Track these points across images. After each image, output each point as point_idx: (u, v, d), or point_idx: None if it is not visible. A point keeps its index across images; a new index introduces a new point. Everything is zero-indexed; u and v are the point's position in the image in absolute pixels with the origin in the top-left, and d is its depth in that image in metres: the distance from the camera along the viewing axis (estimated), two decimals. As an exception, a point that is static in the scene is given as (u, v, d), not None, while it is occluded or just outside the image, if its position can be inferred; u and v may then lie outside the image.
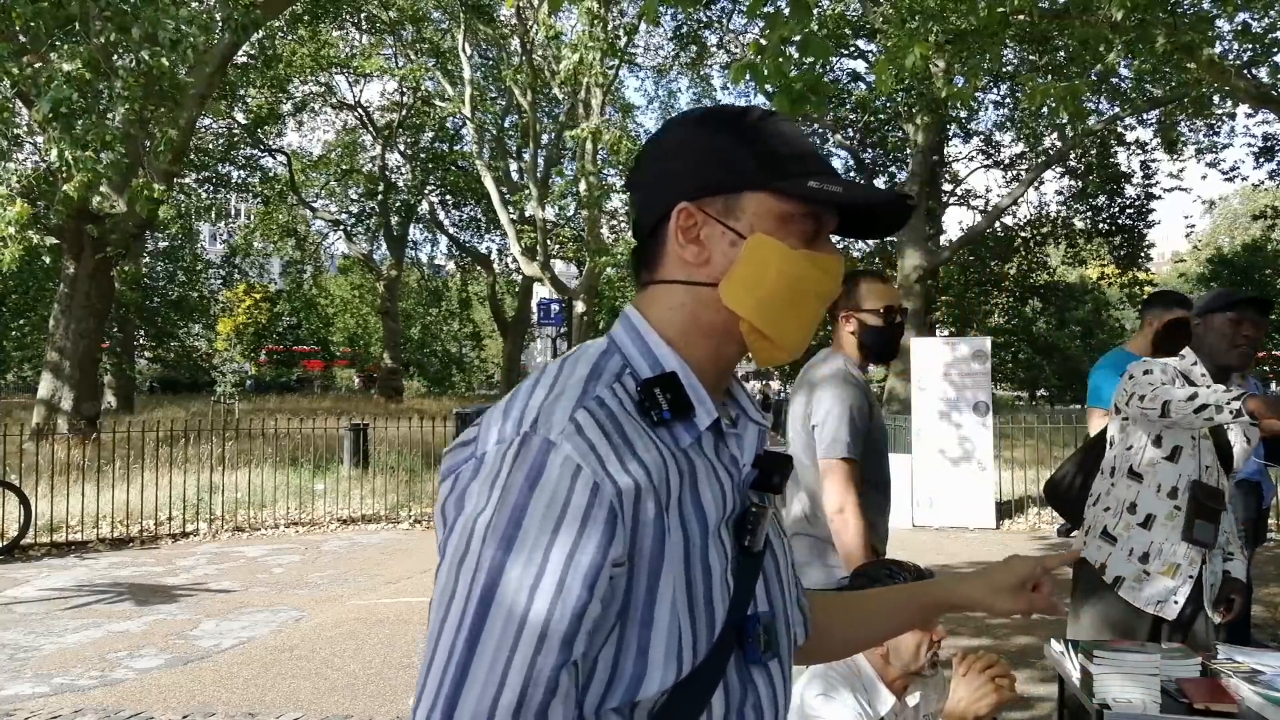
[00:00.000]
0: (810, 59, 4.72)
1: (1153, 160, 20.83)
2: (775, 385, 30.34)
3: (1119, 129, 19.49)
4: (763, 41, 4.65)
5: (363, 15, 22.20)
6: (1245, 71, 13.11)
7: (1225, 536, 2.91)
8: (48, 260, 12.98)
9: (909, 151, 20.36)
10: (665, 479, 0.83)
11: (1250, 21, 12.54)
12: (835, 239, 0.98)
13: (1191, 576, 2.84)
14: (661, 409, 0.86)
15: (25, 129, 10.44)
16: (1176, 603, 2.83)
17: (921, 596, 1.20)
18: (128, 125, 11.17)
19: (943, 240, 21.67)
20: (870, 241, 25.45)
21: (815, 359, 2.93)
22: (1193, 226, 25.13)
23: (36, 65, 9.32)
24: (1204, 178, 33.33)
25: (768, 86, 4.67)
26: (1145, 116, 18.22)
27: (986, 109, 21.26)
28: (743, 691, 0.89)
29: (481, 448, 0.82)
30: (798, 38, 4.49)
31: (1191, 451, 2.88)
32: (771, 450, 0.98)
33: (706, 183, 0.91)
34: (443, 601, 0.78)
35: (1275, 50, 12.71)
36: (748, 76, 4.67)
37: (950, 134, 21.58)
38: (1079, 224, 23.29)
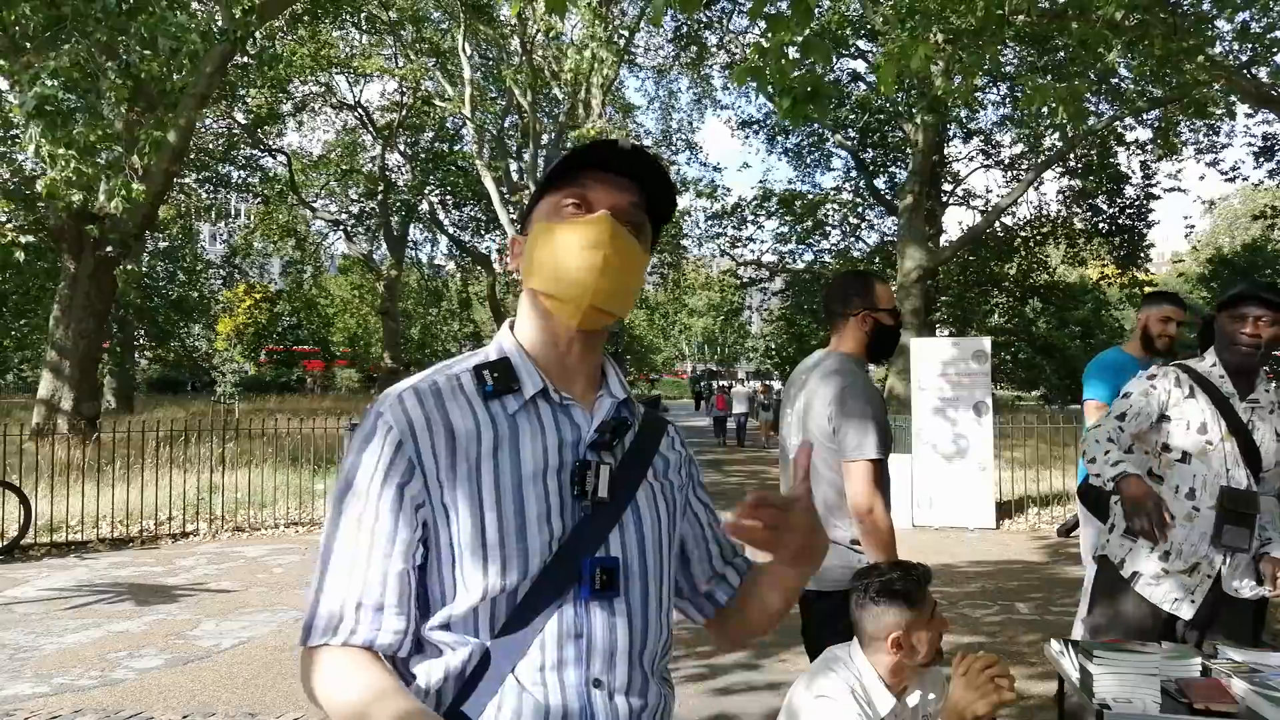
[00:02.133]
0: (810, 60, 4.72)
1: (1152, 160, 20.84)
2: (776, 385, 30.34)
3: (1119, 129, 19.50)
4: (764, 43, 4.66)
5: (363, 15, 22.19)
6: (1245, 71, 13.12)
7: (1266, 519, 2.85)
8: (37, 259, 12.94)
9: (909, 151, 20.37)
10: (476, 437, 1.06)
11: (1250, 22, 12.54)
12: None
13: (1210, 576, 2.82)
14: (485, 385, 1.09)
15: (19, 126, 10.43)
16: (1194, 602, 2.83)
17: (777, 580, 1.24)
18: (112, 127, 11.17)
19: (943, 240, 21.69)
20: (870, 241, 25.43)
21: (817, 358, 2.91)
22: (1192, 227, 25.14)
23: (27, 63, 9.32)
24: (1202, 178, 33.30)
25: (769, 89, 4.68)
26: (1145, 116, 18.22)
27: (986, 109, 21.26)
28: (576, 621, 1.05)
29: None
30: (799, 39, 4.49)
31: (1201, 457, 2.87)
32: (617, 417, 1.14)
33: (523, 215, 1.20)
34: (323, 533, 1.06)
35: (1275, 50, 12.71)
36: (750, 80, 4.68)
37: (950, 134, 21.59)
38: (1079, 224, 23.29)
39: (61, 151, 9.18)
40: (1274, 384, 2.90)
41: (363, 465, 1.04)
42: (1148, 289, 23.33)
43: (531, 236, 1.15)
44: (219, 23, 11.85)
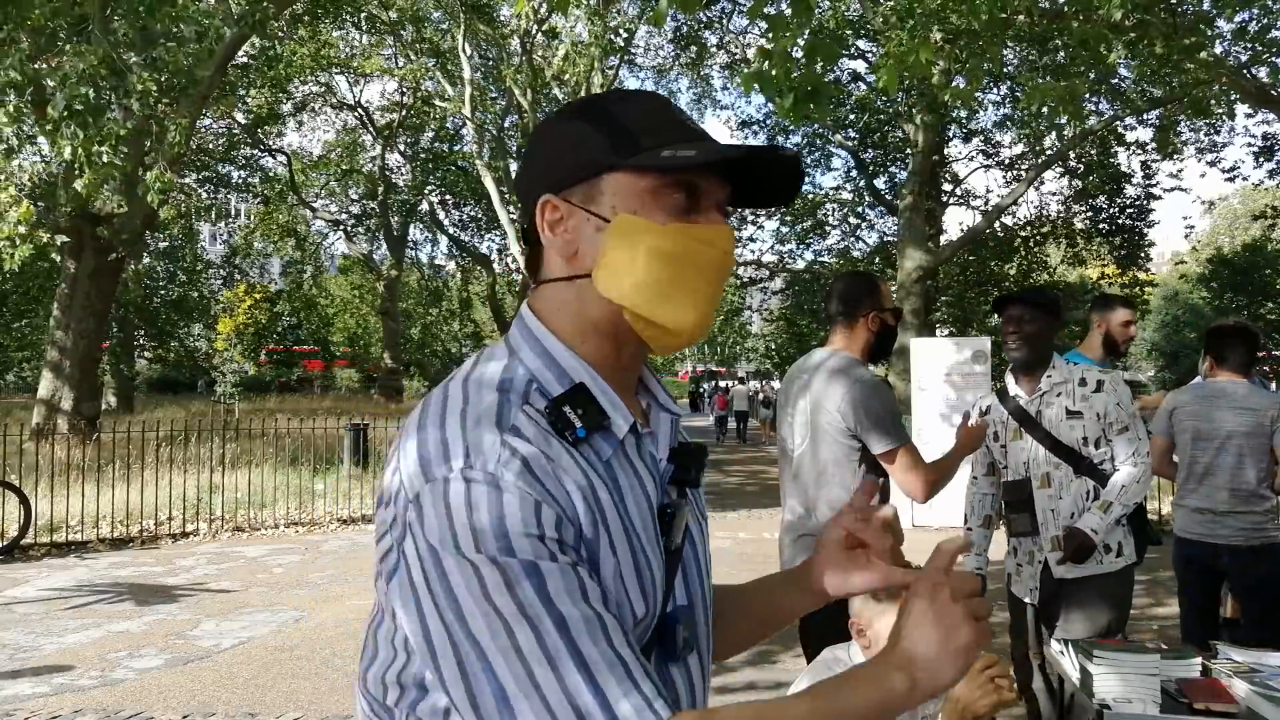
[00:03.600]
0: (817, 61, 4.73)
1: (1153, 160, 20.83)
2: (777, 385, 30.36)
3: (1119, 129, 19.49)
4: (766, 45, 4.66)
5: (363, 15, 22.19)
6: (1245, 71, 13.11)
7: (1071, 503, 3.04)
8: (57, 259, 12.96)
9: (909, 151, 20.36)
10: (596, 499, 0.81)
11: (1249, 22, 12.54)
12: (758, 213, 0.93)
13: (1041, 562, 3.07)
14: (575, 428, 0.82)
15: (34, 129, 10.44)
16: (1034, 589, 3.09)
17: (807, 585, 1.09)
18: (142, 122, 11.20)
19: (943, 240, 21.67)
20: (870, 240, 25.45)
21: (820, 357, 2.94)
22: (1192, 227, 25.11)
23: (50, 64, 9.34)
24: (1203, 176, 33.29)
25: (769, 89, 4.69)
26: (1145, 116, 18.22)
27: (986, 109, 21.26)
28: (669, 689, 0.86)
29: (413, 489, 0.78)
30: (801, 40, 4.50)
31: (1003, 459, 3.22)
32: (685, 442, 0.96)
33: (566, 172, 0.88)
34: (462, 639, 0.75)
35: (1275, 50, 12.71)
36: (755, 85, 4.69)
37: (950, 134, 21.58)
38: (1079, 224, 23.28)
39: (96, 149, 9.21)
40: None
41: (521, 545, 0.75)
42: (1149, 289, 23.36)
43: (624, 231, 0.86)
44: (235, 10, 11.86)
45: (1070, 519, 3.00)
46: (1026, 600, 3.15)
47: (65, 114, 8.91)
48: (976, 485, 3.37)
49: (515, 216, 22.52)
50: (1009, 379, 3.22)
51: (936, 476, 2.78)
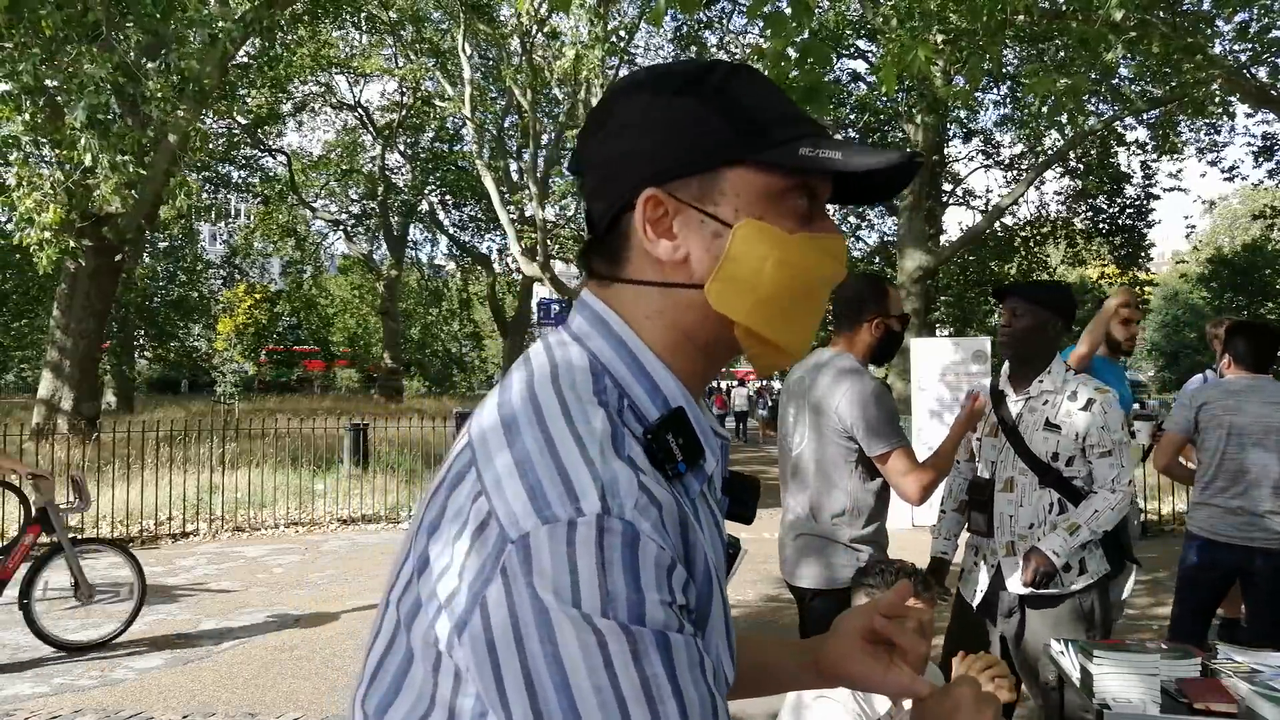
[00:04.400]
0: (810, 61, 4.72)
1: (1153, 160, 20.84)
2: (776, 385, 30.34)
3: (1119, 129, 19.50)
4: (763, 44, 4.67)
5: (363, 15, 22.20)
6: (1245, 71, 13.11)
7: (1031, 522, 2.91)
8: (67, 264, 12.98)
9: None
10: (698, 543, 0.69)
11: (1250, 22, 12.54)
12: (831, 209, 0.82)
13: (992, 567, 2.97)
14: (677, 461, 0.71)
15: (52, 136, 10.49)
16: (981, 591, 2.99)
17: (812, 660, 1.01)
18: (159, 128, 11.23)
19: (943, 240, 21.67)
20: (870, 240, 25.40)
21: (818, 356, 2.95)
22: (1193, 227, 25.10)
23: (62, 69, 9.36)
24: (1203, 176, 33.31)
25: None
26: (1145, 116, 18.23)
27: (987, 109, 21.28)
28: None
29: (518, 527, 0.64)
30: (800, 39, 4.50)
31: (979, 454, 3.12)
32: (736, 473, 0.86)
33: (675, 162, 0.75)
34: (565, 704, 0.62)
35: (1275, 50, 12.71)
36: None
37: (950, 134, 21.58)
38: (1079, 224, 23.28)
39: (119, 159, 9.26)
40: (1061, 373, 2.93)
41: (649, 604, 0.63)
42: (1149, 289, 23.36)
43: (745, 237, 0.74)
44: (236, 15, 11.90)
45: (1028, 529, 2.86)
46: (973, 603, 3.01)
47: (84, 124, 8.95)
48: (958, 469, 3.25)
49: (514, 217, 22.52)
50: (1003, 371, 3.10)
51: (932, 477, 2.76)
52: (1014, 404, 2.99)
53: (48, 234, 10.23)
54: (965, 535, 3.14)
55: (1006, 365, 3.08)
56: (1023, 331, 2.91)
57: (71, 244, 11.41)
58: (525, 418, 0.69)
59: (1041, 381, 2.94)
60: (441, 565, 0.67)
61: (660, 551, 0.64)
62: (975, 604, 3.00)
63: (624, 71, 23.36)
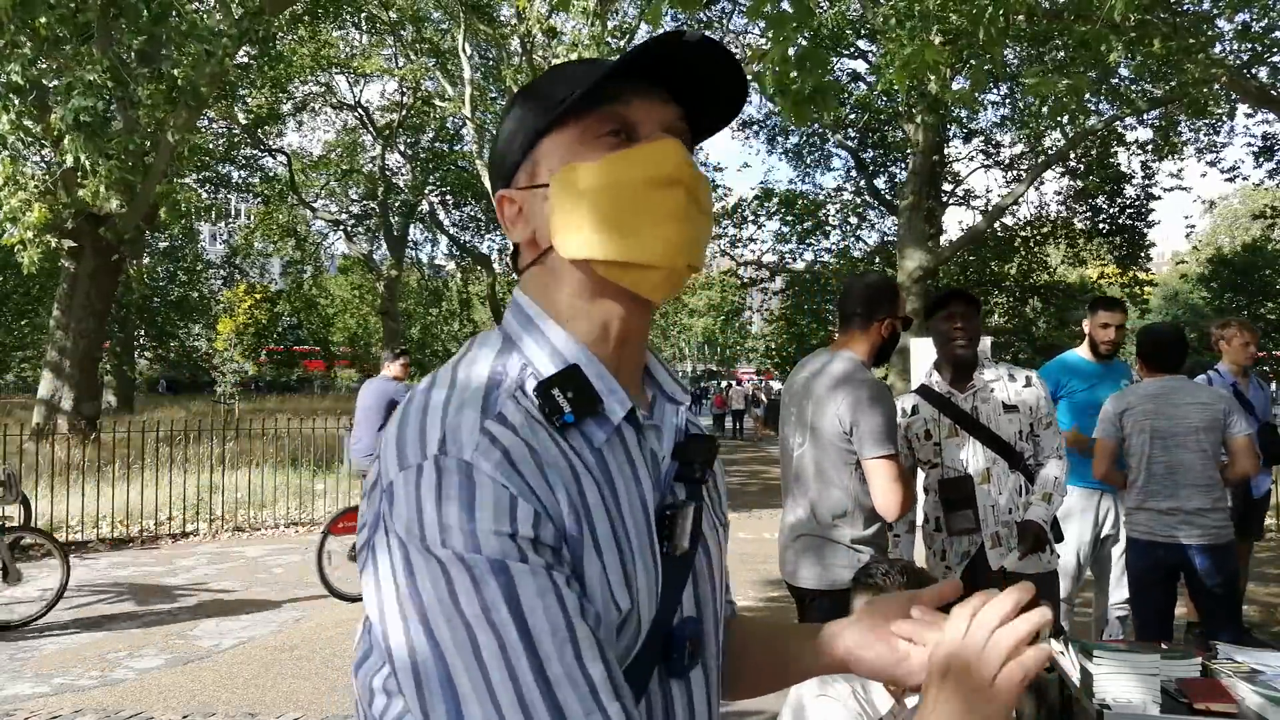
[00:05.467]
0: (803, 67, 4.73)
1: (1153, 160, 20.84)
2: (776, 385, 30.36)
3: (1119, 129, 19.50)
4: (764, 44, 4.68)
5: (363, 15, 22.20)
6: (1245, 71, 13.11)
7: (1007, 498, 3.06)
8: (64, 262, 12.98)
9: (909, 151, 20.36)
10: (582, 494, 0.75)
11: (1250, 22, 12.54)
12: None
13: (959, 564, 3.08)
14: (563, 412, 0.77)
15: (39, 135, 10.47)
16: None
17: (828, 648, 0.99)
18: (147, 132, 11.22)
19: (943, 240, 21.67)
20: (870, 240, 25.43)
21: (820, 357, 2.95)
22: (1193, 227, 25.08)
23: (52, 67, 9.36)
24: (1203, 176, 33.32)
25: (770, 90, 4.70)
26: (1145, 116, 18.23)
27: (986, 109, 21.26)
28: (664, 707, 0.81)
29: (387, 477, 0.73)
30: (798, 44, 4.51)
31: (938, 458, 3.18)
32: (694, 434, 0.89)
33: (508, 161, 0.86)
34: (422, 637, 0.69)
35: (1275, 50, 12.71)
36: (756, 87, 4.70)
37: (950, 134, 21.58)
38: (1079, 224, 23.28)
39: (104, 162, 9.25)
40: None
41: (489, 543, 0.69)
42: (1149, 289, 23.37)
43: (564, 185, 0.81)
44: (231, 20, 11.90)
45: (1009, 514, 3.03)
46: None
47: (72, 124, 8.93)
48: None
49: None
50: (932, 377, 3.24)
51: (909, 498, 2.77)
52: (963, 401, 3.14)
53: (30, 233, 10.19)
54: (919, 547, 3.22)
55: (933, 371, 3.24)
56: (975, 331, 3.15)
57: (54, 244, 11.39)
58: (419, 395, 0.79)
59: (982, 373, 3.16)
60: (361, 524, 0.78)
61: (500, 488, 0.70)
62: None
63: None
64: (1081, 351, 4.47)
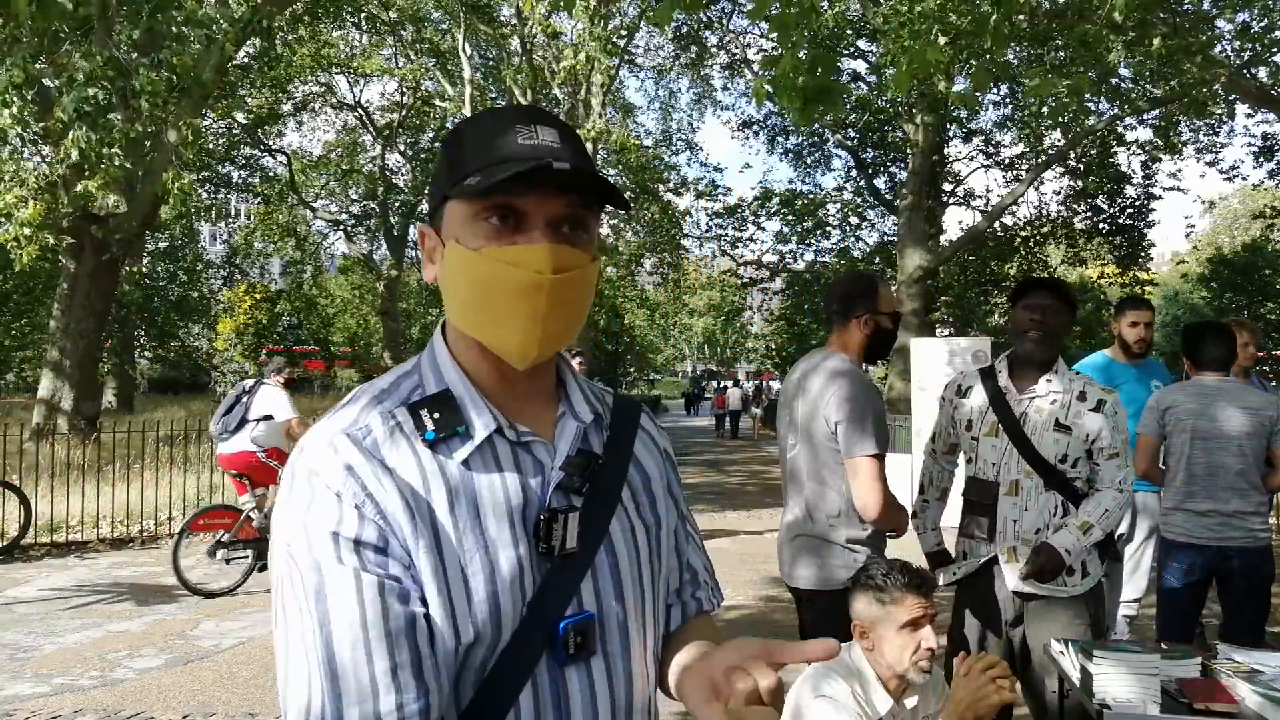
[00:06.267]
0: (814, 71, 4.74)
1: (1153, 160, 20.85)
2: (775, 385, 30.36)
3: (1119, 129, 19.50)
4: (771, 52, 4.69)
5: (363, 15, 22.19)
6: (1245, 71, 13.11)
7: (1038, 518, 2.79)
8: (64, 261, 12.96)
9: (909, 151, 20.36)
10: (427, 492, 0.86)
11: (1250, 22, 12.53)
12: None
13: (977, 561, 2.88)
14: (425, 430, 0.89)
15: (40, 130, 10.45)
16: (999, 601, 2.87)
17: (672, 669, 1.03)
18: (150, 124, 11.21)
19: (943, 240, 21.68)
20: (870, 240, 25.43)
21: (813, 357, 2.93)
22: (1192, 226, 25.09)
23: (53, 64, 9.35)
24: (1203, 176, 33.30)
25: (784, 97, 4.71)
26: (1145, 116, 18.23)
27: (987, 109, 21.28)
28: (554, 691, 0.89)
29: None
30: (807, 49, 4.52)
31: (971, 452, 2.97)
32: (585, 450, 0.96)
33: (430, 202, 0.97)
34: (281, 624, 0.85)
35: (1275, 50, 12.71)
36: (767, 89, 4.71)
37: (950, 134, 21.59)
38: (1079, 224, 23.29)
39: (106, 151, 9.22)
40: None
41: (315, 542, 0.82)
42: (1149, 289, 23.38)
43: (450, 260, 0.91)
44: (229, 15, 11.89)
45: (1034, 534, 2.77)
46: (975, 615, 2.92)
47: (74, 116, 8.91)
48: (935, 459, 3.14)
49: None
50: (1001, 368, 2.93)
51: (891, 505, 2.71)
52: (1016, 403, 2.85)
53: (26, 230, 10.17)
54: (954, 536, 3.03)
55: (1004, 362, 2.95)
56: (1055, 330, 2.81)
57: (51, 241, 11.39)
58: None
59: (1050, 381, 2.82)
60: None
61: (329, 493, 0.83)
62: (978, 605, 2.91)
63: (624, 71, 23.37)
64: (1112, 352, 4.44)
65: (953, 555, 3.04)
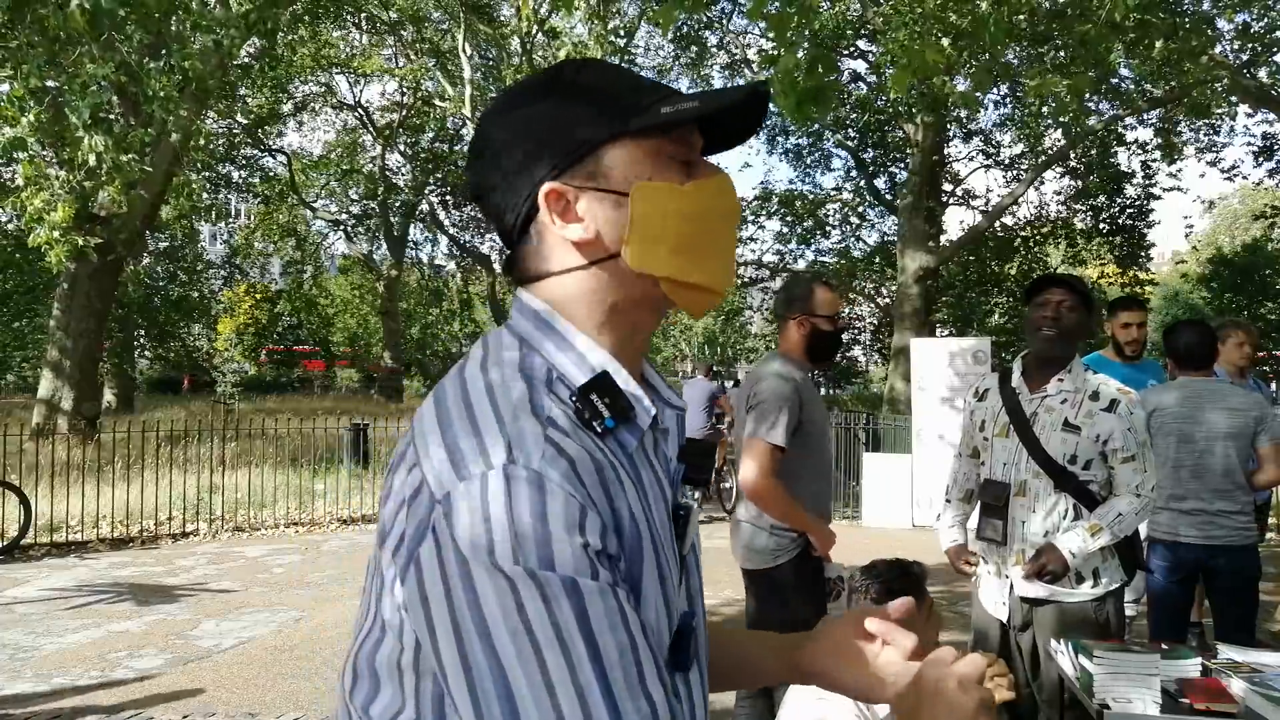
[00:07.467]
0: (814, 71, 4.74)
1: (1153, 160, 20.85)
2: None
3: (1119, 129, 19.50)
4: (770, 51, 4.69)
5: (363, 15, 22.19)
6: (1245, 71, 13.11)
7: (1050, 519, 2.76)
8: (94, 258, 12.97)
9: (909, 151, 20.35)
10: (621, 489, 0.75)
11: (1250, 22, 12.53)
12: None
13: (1008, 575, 2.82)
14: (604, 418, 0.76)
15: (58, 133, 10.49)
16: (1005, 604, 2.85)
17: (790, 657, 1.02)
18: (160, 126, 11.23)
19: (943, 240, 21.67)
20: (870, 240, 25.40)
21: (763, 361, 3.11)
22: (1192, 227, 25.09)
23: (75, 72, 9.35)
24: (1203, 176, 33.30)
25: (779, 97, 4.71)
26: (1145, 116, 18.23)
27: (987, 109, 21.27)
28: (689, 708, 0.81)
29: (441, 487, 0.70)
30: (806, 49, 4.52)
31: (987, 453, 2.96)
32: (693, 439, 0.90)
33: (560, 156, 0.81)
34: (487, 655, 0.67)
35: (1275, 50, 12.70)
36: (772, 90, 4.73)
37: (950, 134, 21.57)
38: (1079, 224, 23.29)
39: (124, 158, 9.26)
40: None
41: (557, 548, 0.67)
42: (1149, 289, 23.38)
43: (649, 200, 0.81)
44: (233, 15, 11.90)
45: (1042, 537, 2.72)
46: (991, 614, 2.91)
47: (88, 123, 8.93)
48: (960, 462, 3.13)
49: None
50: (1015, 367, 2.92)
51: (775, 492, 2.82)
52: (1028, 403, 2.81)
53: (56, 233, 10.27)
54: (975, 540, 3.02)
55: (1019, 361, 2.93)
56: (1071, 326, 2.75)
57: (80, 242, 11.46)
58: (452, 394, 0.77)
59: (1061, 380, 2.77)
60: (390, 535, 0.74)
61: (568, 499, 0.68)
62: (998, 615, 2.88)
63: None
64: (1107, 354, 4.45)
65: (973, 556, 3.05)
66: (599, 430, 0.76)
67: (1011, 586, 2.81)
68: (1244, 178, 21.66)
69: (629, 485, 0.76)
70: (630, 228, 0.81)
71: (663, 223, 0.81)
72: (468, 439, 0.71)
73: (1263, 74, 13.57)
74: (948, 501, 3.18)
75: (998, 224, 21.35)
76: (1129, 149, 20.78)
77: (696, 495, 0.87)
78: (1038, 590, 2.74)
